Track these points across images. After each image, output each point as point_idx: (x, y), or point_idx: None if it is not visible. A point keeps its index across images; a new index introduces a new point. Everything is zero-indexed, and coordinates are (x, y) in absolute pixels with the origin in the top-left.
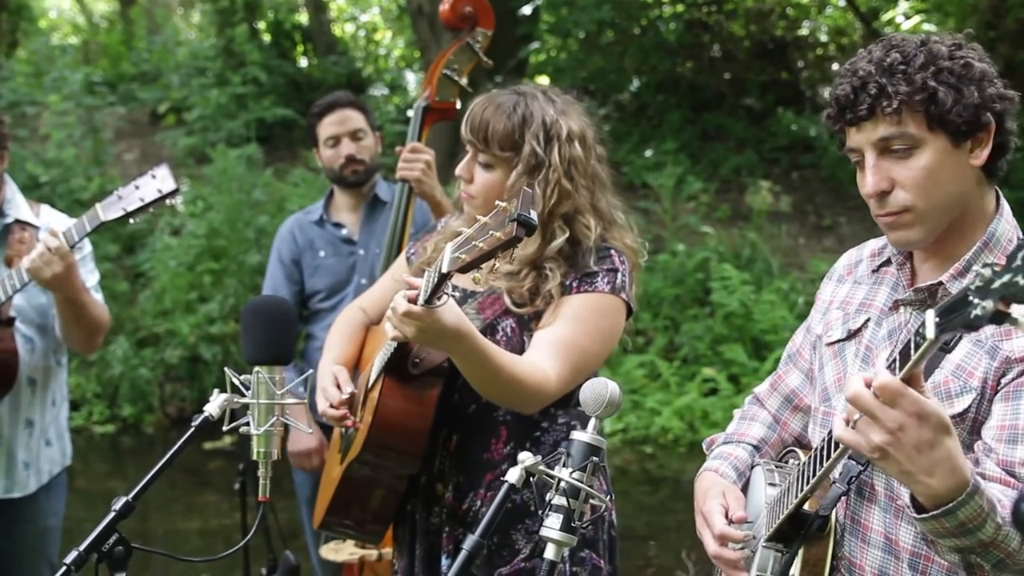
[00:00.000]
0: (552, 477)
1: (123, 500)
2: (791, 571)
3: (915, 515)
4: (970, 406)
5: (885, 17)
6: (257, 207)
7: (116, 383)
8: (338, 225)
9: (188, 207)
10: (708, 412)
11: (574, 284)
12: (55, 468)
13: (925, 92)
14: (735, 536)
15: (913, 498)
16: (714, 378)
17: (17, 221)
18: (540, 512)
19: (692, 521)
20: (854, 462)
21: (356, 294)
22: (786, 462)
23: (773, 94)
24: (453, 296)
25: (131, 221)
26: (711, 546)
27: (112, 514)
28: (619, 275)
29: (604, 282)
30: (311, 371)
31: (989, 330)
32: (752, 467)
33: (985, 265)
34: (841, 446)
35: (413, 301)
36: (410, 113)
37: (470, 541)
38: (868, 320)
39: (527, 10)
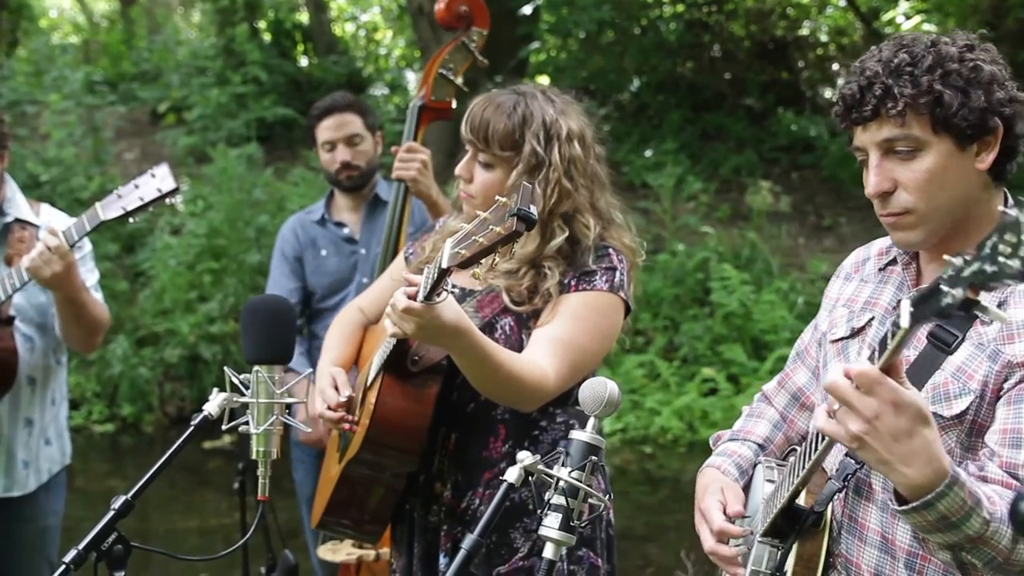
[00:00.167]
0: (551, 476)
1: (122, 499)
2: (786, 566)
3: (897, 507)
4: (968, 408)
5: (885, 17)
6: (257, 206)
7: (116, 382)
8: (340, 224)
9: (188, 206)
10: (707, 412)
11: (572, 282)
12: (54, 467)
13: (930, 95)
14: (733, 532)
15: (896, 491)
16: (713, 378)
17: (17, 220)
18: (538, 511)
19: (691, 521)
20: (851, 459)
21: (358, 293)
22: (788, 460)
23: (773, 94)
24: (452, 293)
25: (131, 220)
26: (708, 542)
27: (111, 513)
28: (617, 274)
29: (602, 280)
30: (310, 370)
31: (992, 334)
32: (755, 466)
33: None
34: (827, 438)
35: (413, 297)
36: None
37: (469, 540)
38: (872, 319)
39: (527, 10)
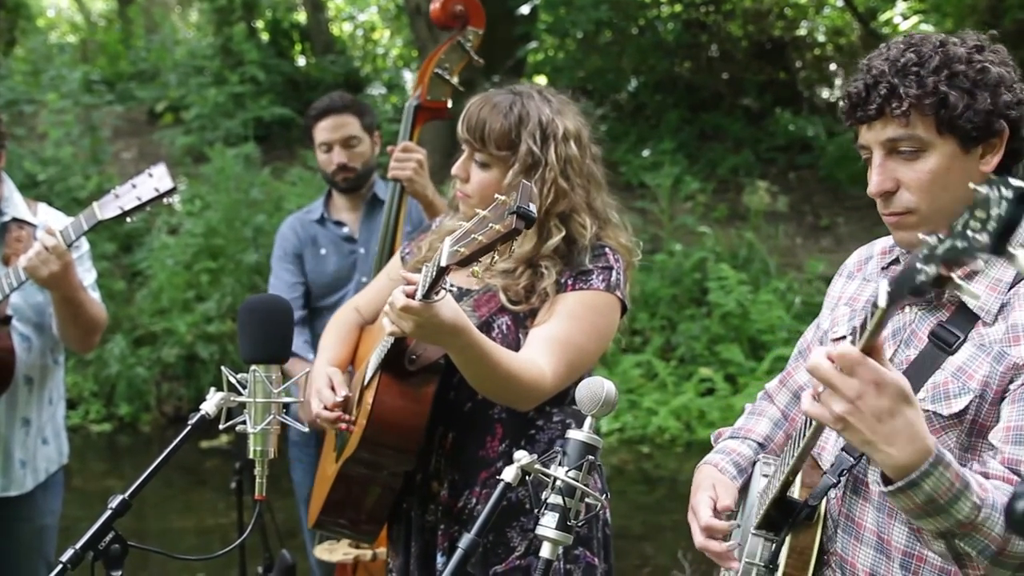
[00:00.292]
0: (548, 476)
1: (119, 498)
2: (779, 559)
3: (883, 488)
4: (968, 407)
5: (883, 17)
6: (255, 206)
7: (113, 382)
8: (339, 223)
9: (185, 206)
10: (705, 412)
11: (569, 282)
12: (52, 467)
13: (936, 96)
14: (719, 527)
15: (884, 474)
16: (711, 378)
17: (14, 219)
18: (535, 510)
19: (688, 520)
20: (847, 454)
21: (357, 292)
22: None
23: (771, 94)
24: (450, 292)
25: (128, 220)
26: (698, 538)
27: (108, 512)
28: (614, 273)
29: (599, 280)
30: (307, 370)
31: (996, 335)
32: (754, 464)
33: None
34: (815, 423)
35: (411, 296)
36: None
37: (466, 539)
38: None
39: (525, 10)
